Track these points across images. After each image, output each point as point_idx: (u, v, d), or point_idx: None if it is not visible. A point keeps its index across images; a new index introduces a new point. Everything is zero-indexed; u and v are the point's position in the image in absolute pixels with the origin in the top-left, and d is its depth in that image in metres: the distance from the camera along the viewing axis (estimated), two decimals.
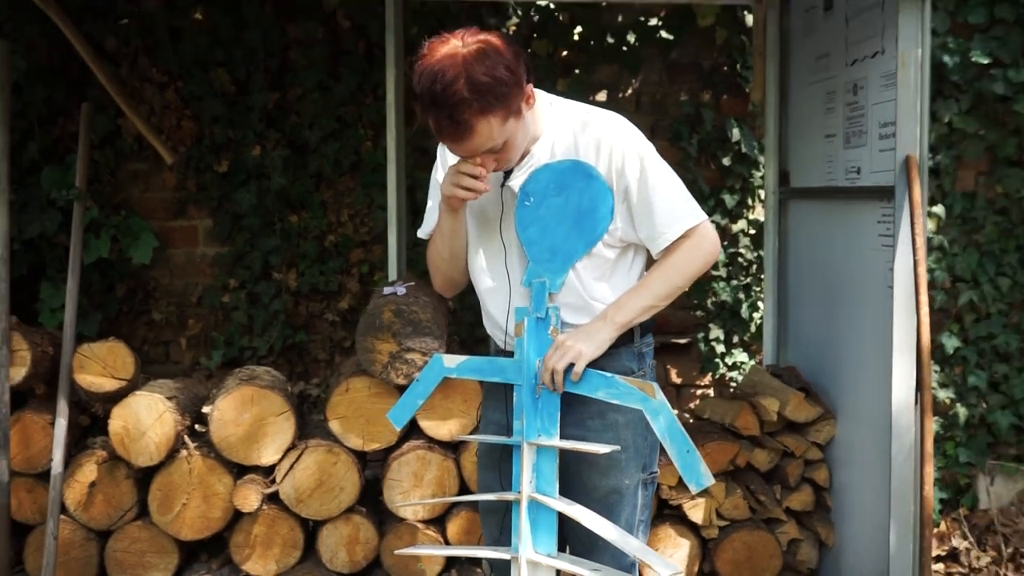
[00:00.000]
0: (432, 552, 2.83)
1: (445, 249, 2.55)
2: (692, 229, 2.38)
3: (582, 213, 2.33)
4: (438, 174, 2.58)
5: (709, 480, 2.24)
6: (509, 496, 2.37)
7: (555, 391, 2.31)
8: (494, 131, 2.21)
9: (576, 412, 2.41)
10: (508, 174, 2.39)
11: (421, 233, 2.69)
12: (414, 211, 4.38)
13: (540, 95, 2.39)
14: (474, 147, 2.23)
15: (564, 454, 2.42)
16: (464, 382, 3.23)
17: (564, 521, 2.40)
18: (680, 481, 3.37)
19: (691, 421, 3.86)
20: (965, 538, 4.09)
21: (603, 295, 2.42)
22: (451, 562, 3.37)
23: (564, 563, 2.36)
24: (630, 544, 2.35)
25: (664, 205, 2.35)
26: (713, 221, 4.57)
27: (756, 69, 4.22)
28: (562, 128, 2.39)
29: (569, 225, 2.34)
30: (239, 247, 4.47)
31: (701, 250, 2.40)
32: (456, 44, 2.18)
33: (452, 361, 2.48)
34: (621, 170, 2.34)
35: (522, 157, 2.38)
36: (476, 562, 3.34)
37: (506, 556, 2.38)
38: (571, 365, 2.30)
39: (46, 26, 4.04)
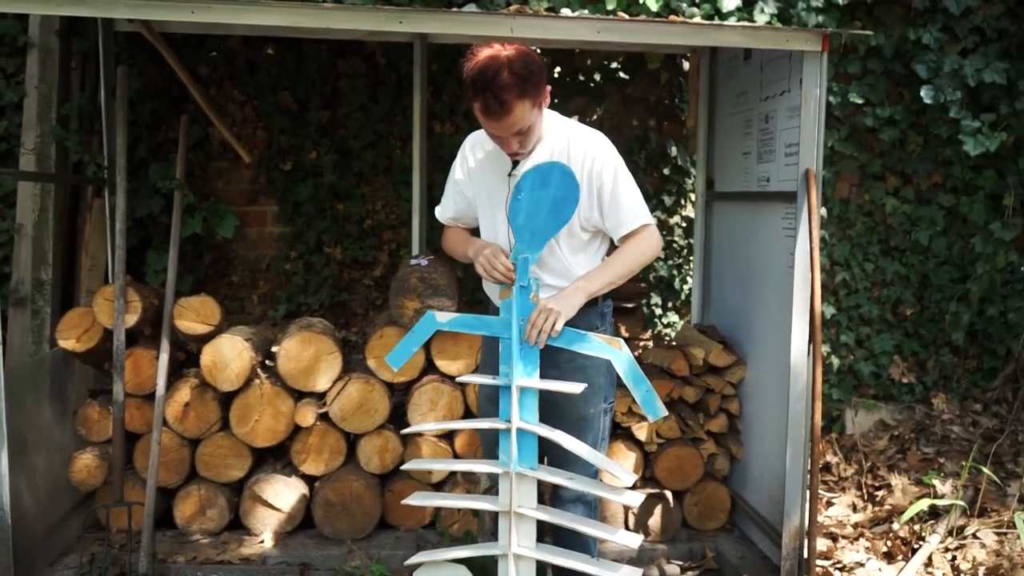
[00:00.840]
0: (437, 467, 2.72)
1: (455, 255, 2.60)
2: (645, 227, 2.38)
3: (557, 202, 2.26)
4: (456, 174, 2.53)
5: (664, 412, 2.21)
6: (500, 425, 2.31)
7: (538, 345, 2.26)
8: (526, 113, 2.18)
9: (554, 358, 2.37)
10: (515, 165, 2.35)
11: (438, 214, 2.64)
12: (431, 203, 4.25)
13: (546, 110, 2.35)
14: (509, 125, 2.18)
15: (544, 393, 2.37)
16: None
17: (542, 442, 2.35)
18: (630, 409, 3.36)
19: None
20: (836, 455, 4.09)
21: (578, 264, 2.40)
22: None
23: (544, 474, 2.32)
24: (598, 457, 2.31)
25: (627, 205, 2.35)
26: (655, 216, 4.52)
27: (691, 103, 4.17)
28: (559, 136, 2.35)
29: (547, 212, 2.27)
30: (298, 227, 4.38)
31: (649, 244, 2.39)
32: (498, 48, 2.17)
33: (444, 317, 2.38)
34: (600, 175, 2.31)
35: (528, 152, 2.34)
36: None
37: (498, 470, 2.32)
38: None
39: (154, 55, 3.94)
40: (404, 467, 2.56)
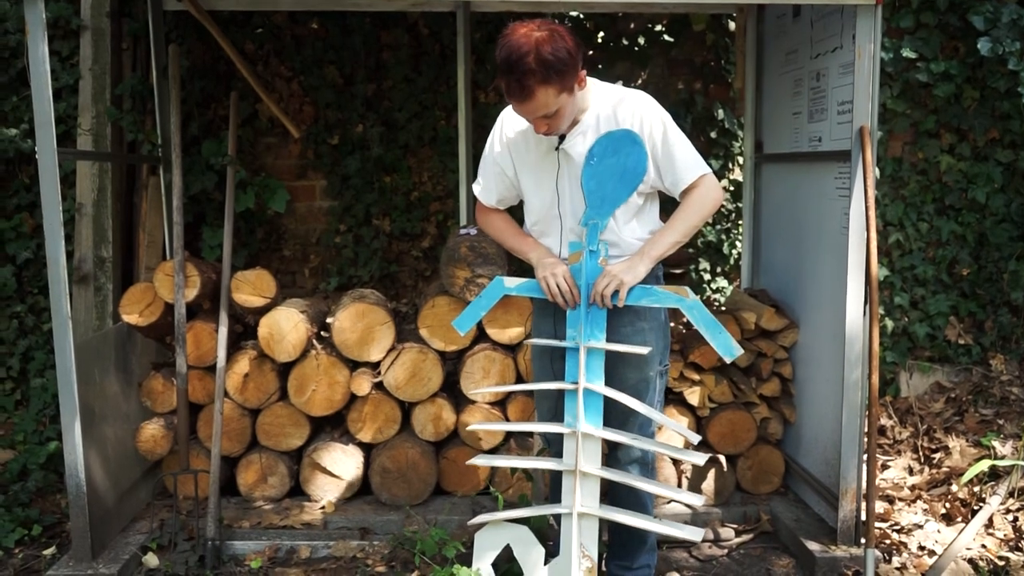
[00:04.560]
0: (502, 428, 2.75)
1: (503, 244, 2.60)
2: (703, 178, 2.34)
3: (626, 170, 2.27)
4: (494, 149, 2.51)
5: (739, 351, 2.25)
6: (567, 386, 2.34)
7: (603, 307, 2.30)
8: (550, 99, 2.15)
9: (613, 322, 2.38)
10: (562, 139, 2.33)
11: (478, 194, 2.61)
12: (477, 173, 4.30)
13: (591, 82, 2.34)
14: (532, 109, 2.18)
15: (605, 354, 2.38)
16: (519, 300, 3.17)
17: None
18: (681, 374, 3.35)
19: (684, 332, 3.79)
20: (891, 418, 4.03)
21: (629, 231, 2.39)
22: (509, 433, 3.35)
23: (609, 433, 2.34)
24: (664, 419, 2.36)
25: (681, 157, 2.32)
26: None
27: (738, 64, 4.09)
28: (604, 103, 2.34)
29: (617, 179, 2.28)
30: (347, 201, 4.42)
31: (711, 196, 2.35)
32: (530, 28, 2.14)
33: (512, 282, 2.43)
34: (649, 133, 2.29)
35: (573, 125, 2.32)
36: (528, 434, 3.32)
37: (564, 430, 2.35)
38: (617, 291, 2.28)
39: (202, 33, 3.97)
40: (471, 427, 2.66)
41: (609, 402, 2.37)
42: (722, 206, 4.48)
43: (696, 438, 2.25)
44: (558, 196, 2.38)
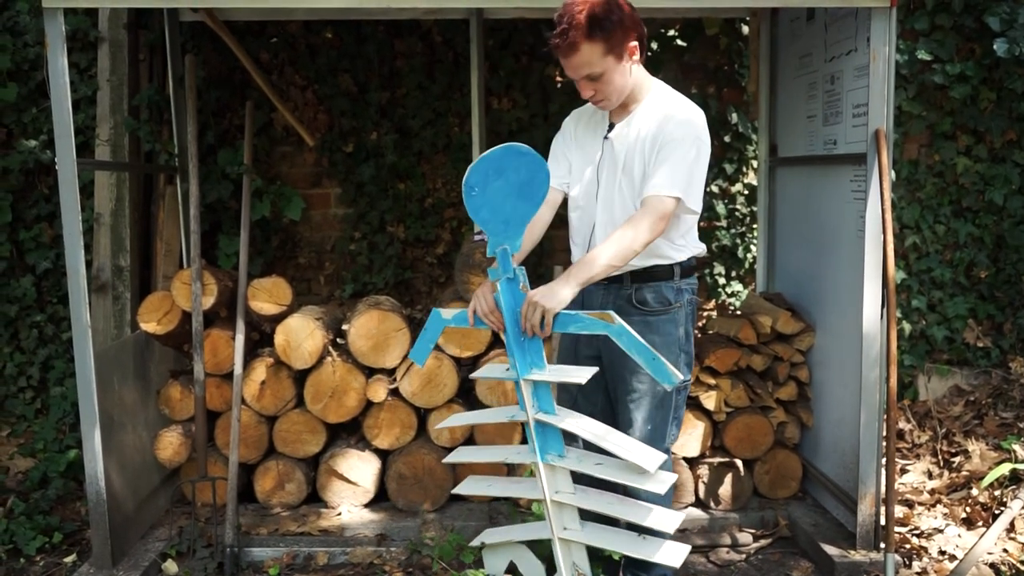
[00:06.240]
0: (472, 459, 2.49)
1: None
2: (661, 199, 2.19)
3: (522, 185, 2.08)
4: (561, 133, 2.50)
5: (677, 378, 2.03)
6: (521, 417, 2.19)
7: (534, 337, 2.14)
8: (595, 58, 2.15)
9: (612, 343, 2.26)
10: (611, 128, 2.33)
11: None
12: None
13: (657, 81, 2.35)
14: (576, 65, 2.17)
15: (615, 363, 2.33)
16: None
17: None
18: (697, 378, 3.34)
19: (699, 336, 3.78)
20: (909, 422, 3.99)
21: (662, 237, 2.31)
22: (524, 438, 3.33)
23: (572, 462, 2.20)
24: (623, 446, 2.15)
25: (666, 172, 2.20)
26: (716, 184, 4.45)
27: (751, 68, 4.08)
28: (658, 102, 2.30)
29: (514, 198, 2.09)
30: (361, 208, 4.43)
31: (647, 221, 2.18)
32: None
33: (448, 313, 2.26)
34: (664, 137, 2.23)
35: (625, 115, 2.31)
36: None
37: (527, 460, 2.24)
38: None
39: (217, 44, 4.01)
40: (445, 461, 2.45)
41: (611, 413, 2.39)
42: (736, 210, 4.47)
43: (658, 460, 2.08)
44: (598, 182, 2.37)
